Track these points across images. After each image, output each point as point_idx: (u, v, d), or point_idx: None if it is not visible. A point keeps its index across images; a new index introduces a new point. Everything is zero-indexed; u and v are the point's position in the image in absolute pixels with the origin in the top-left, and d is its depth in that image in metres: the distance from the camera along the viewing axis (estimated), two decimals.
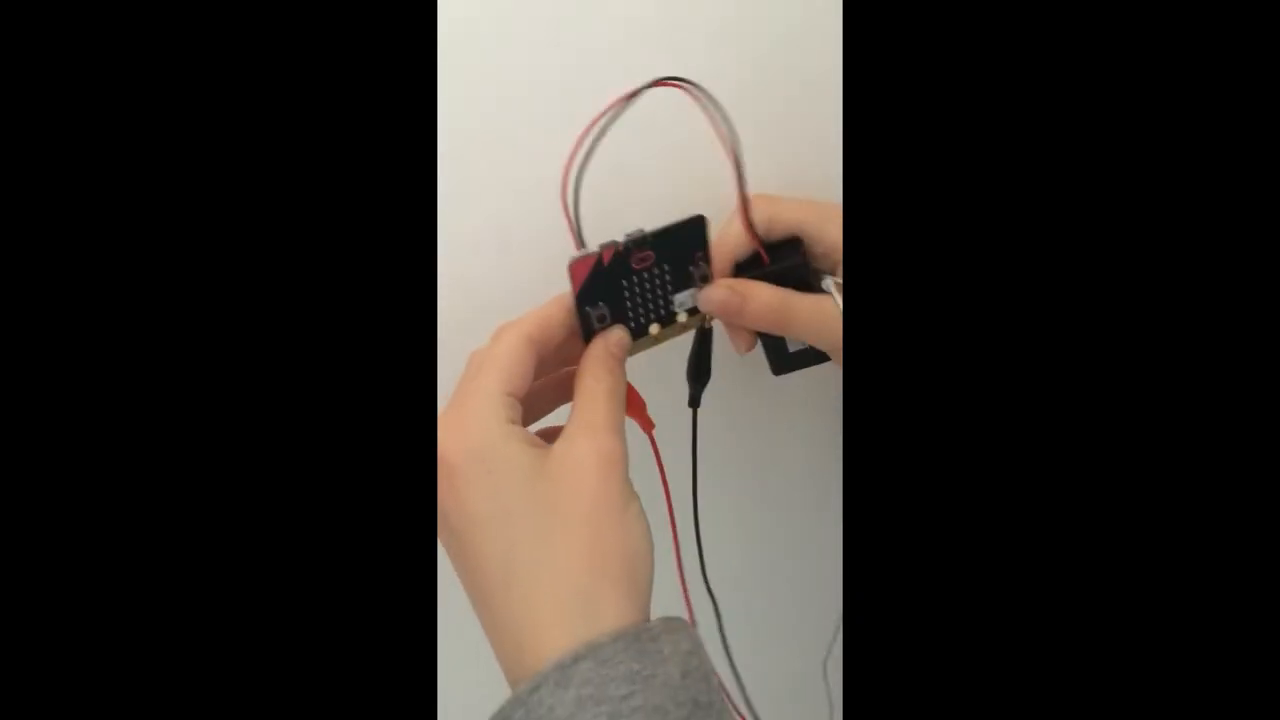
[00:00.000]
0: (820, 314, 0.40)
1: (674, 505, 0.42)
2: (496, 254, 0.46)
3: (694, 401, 0.44)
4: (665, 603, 0.37)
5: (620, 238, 0.38)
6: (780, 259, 0.42)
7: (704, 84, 0.45)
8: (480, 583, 0.35)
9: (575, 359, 0.39)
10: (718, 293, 0.40)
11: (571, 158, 0.36)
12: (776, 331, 0.42)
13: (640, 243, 0.38)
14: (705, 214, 0.39)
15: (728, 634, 0.47)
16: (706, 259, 0.40)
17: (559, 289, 0.47)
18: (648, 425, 0.41)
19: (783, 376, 0.46)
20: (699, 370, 0.43)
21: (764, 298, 0.40)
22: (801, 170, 0.47)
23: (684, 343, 0.44)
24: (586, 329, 0.39)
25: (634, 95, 0.36)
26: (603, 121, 0.36)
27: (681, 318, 0.41)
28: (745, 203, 0.40)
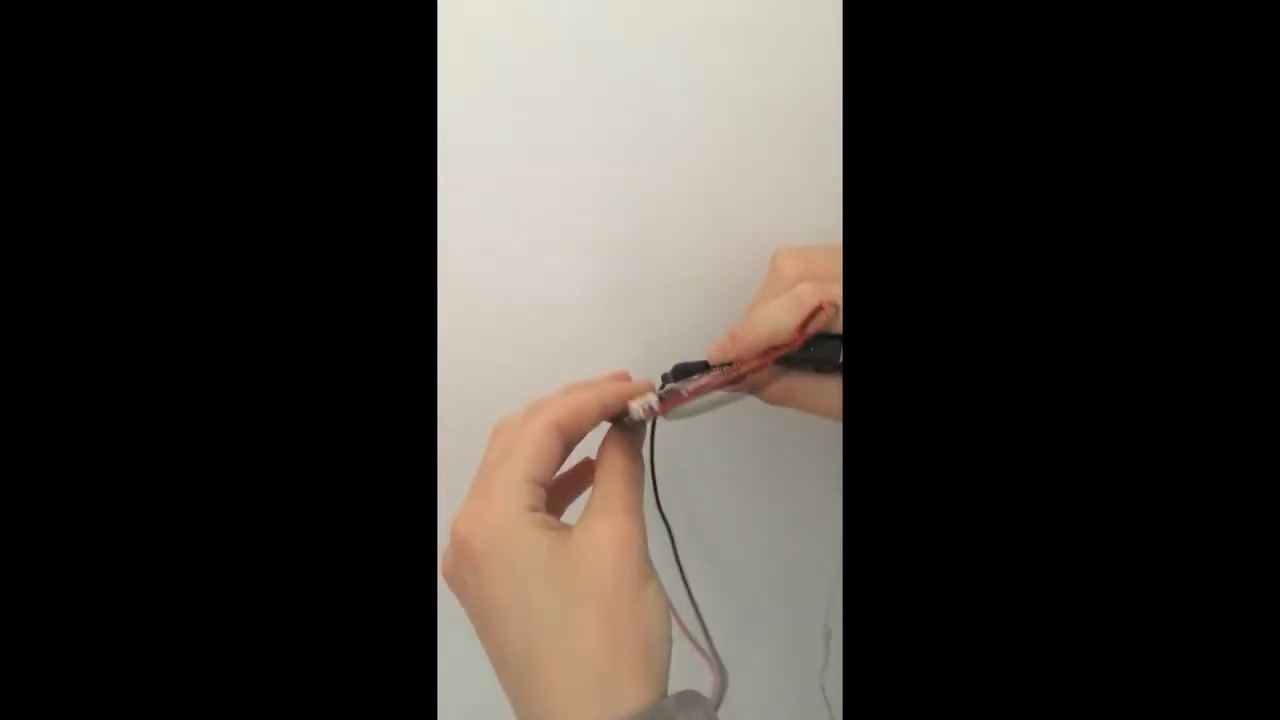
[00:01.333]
0: (823, 398, 0.42)
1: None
2: (497, 261, 0.46)
3: (665, 378, 0.43)
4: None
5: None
6: (816, 347, 0.41)
7: (700, 84, 0.45)
8: (504, 667, 0.36)
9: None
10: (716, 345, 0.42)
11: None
12: (782, 405, 0.43)
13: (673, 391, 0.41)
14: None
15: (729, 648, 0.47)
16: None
17: (558, 294, 0.48)
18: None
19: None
20: (678, 372, 0.43)
21: (772, 391, 0.42)
22: (801, 170, 0.47)
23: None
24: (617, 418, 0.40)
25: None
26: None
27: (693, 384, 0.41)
28: (817, 311, 0.40)
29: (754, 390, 0.42)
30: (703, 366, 0.43)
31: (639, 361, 0.45)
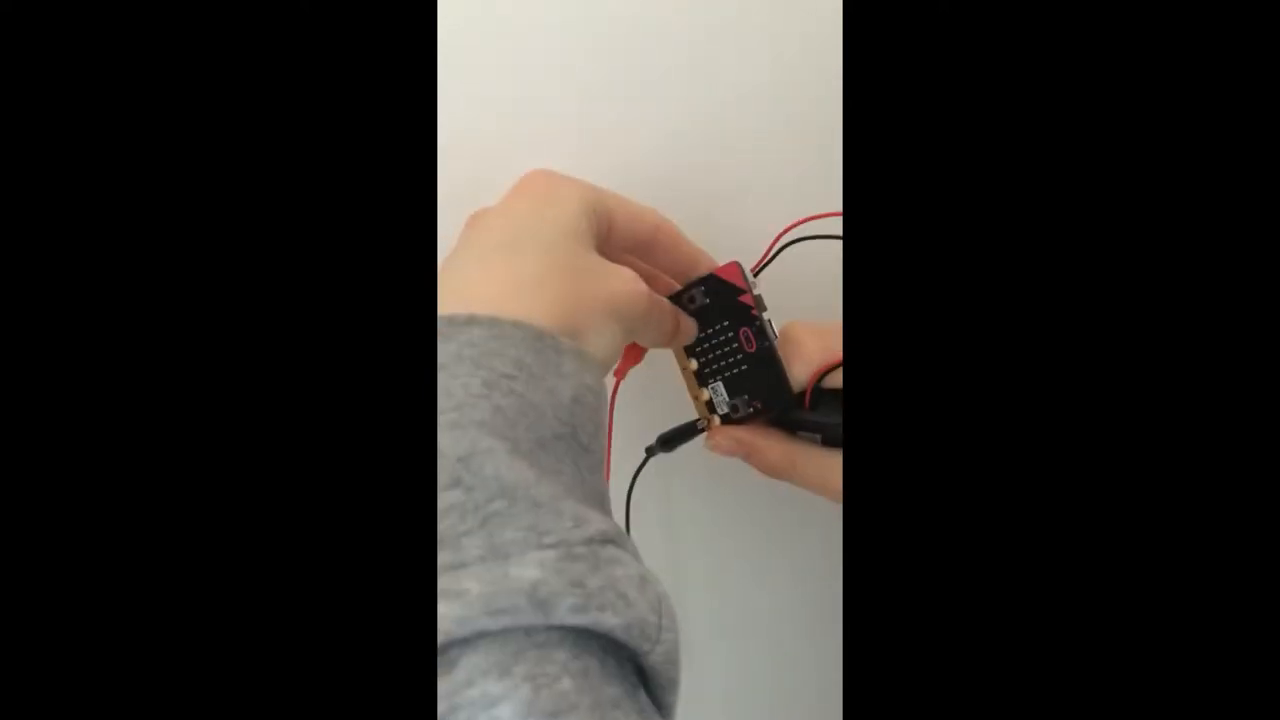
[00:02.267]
0: (824, 471, 0.39)
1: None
2: None
3: (650, 451, 0.44)
4: None
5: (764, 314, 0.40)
6: (819, 408, 0.40)
7: (700, 84, 0.45)
8: (456, 249, 0.36)
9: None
10: (725, 443, 0.41)
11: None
12: (780, 479, 0.41)
13: (761, 333, 0.39)
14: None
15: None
16: (754, 408, 0.41)
17: None
18: (627, 364, 0.41)
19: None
20: (668, 442, 0.43)
21: (772, 458, 0.40)
22: (802, 171, 0.47)
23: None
24: (682, 291, 0.40)
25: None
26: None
27: (703, 395, 0.41)
28: (826, 369, 0.39)
29: (750, 457, 0.41)
30: (690, 429, 0.43)
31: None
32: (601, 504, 0.31)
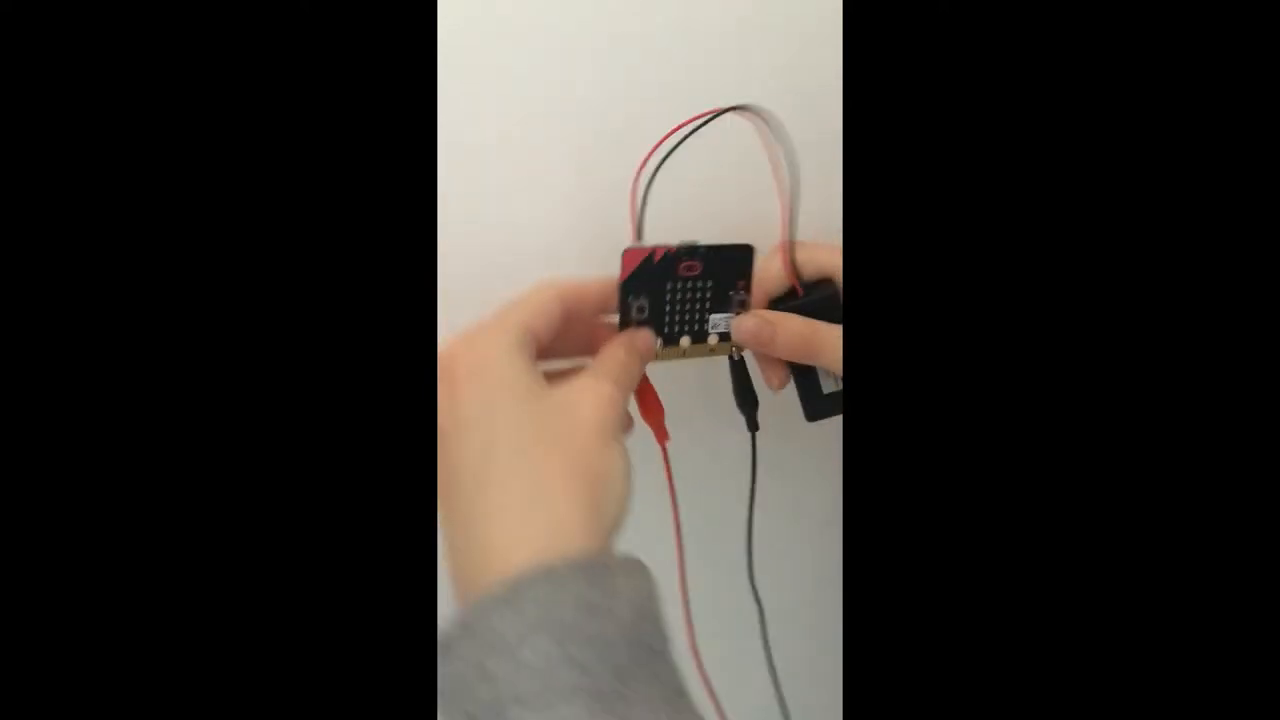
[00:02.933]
0: (842, 345, 0.41)
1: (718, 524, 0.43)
2: (497, 262, 0.46)
3: (752, 425, 0.45)
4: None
5: (674, 244, 0.40)
6: (813, 292, 0.44)
7: (700, 85, 0.45)
8: (454, 484, 0.35)
9: (598, 347, 0.40)
10: (749, 322, 0.42)
11: (644, 161, 0.39)
12: (806, 360, 0.43)
13: (691, 252, 0.40)
14: (752, 243, 0.42)
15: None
16: (747, 288, 0.42)
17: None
18: (663, 436, 0.41)
19: (817, 423, 0.47)
20: (744, 398, 0.44)
21: (793, 328, 0.42)
22: (801, 170, 0.47)
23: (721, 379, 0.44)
24: (624, 315, 0.40)
25: (712, 117, 0.39)
26: (678, 135, 0.39)
27: (712, 340, 0.42)
28: (790, 244, 0.42)
29: (775, 338, 0.42)
30: (738, 372, 0.44)
31: (689, 376, 0.45)
32: (680, 695, 0.33)
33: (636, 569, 0.34)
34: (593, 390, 0.37)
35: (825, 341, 0.42)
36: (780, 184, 0.41)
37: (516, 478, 0.34)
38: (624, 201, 0.46)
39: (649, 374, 0.42)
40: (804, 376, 0.45)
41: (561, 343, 0.40)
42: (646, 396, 0.41)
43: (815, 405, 0.46)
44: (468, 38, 0.42)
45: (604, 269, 0.47)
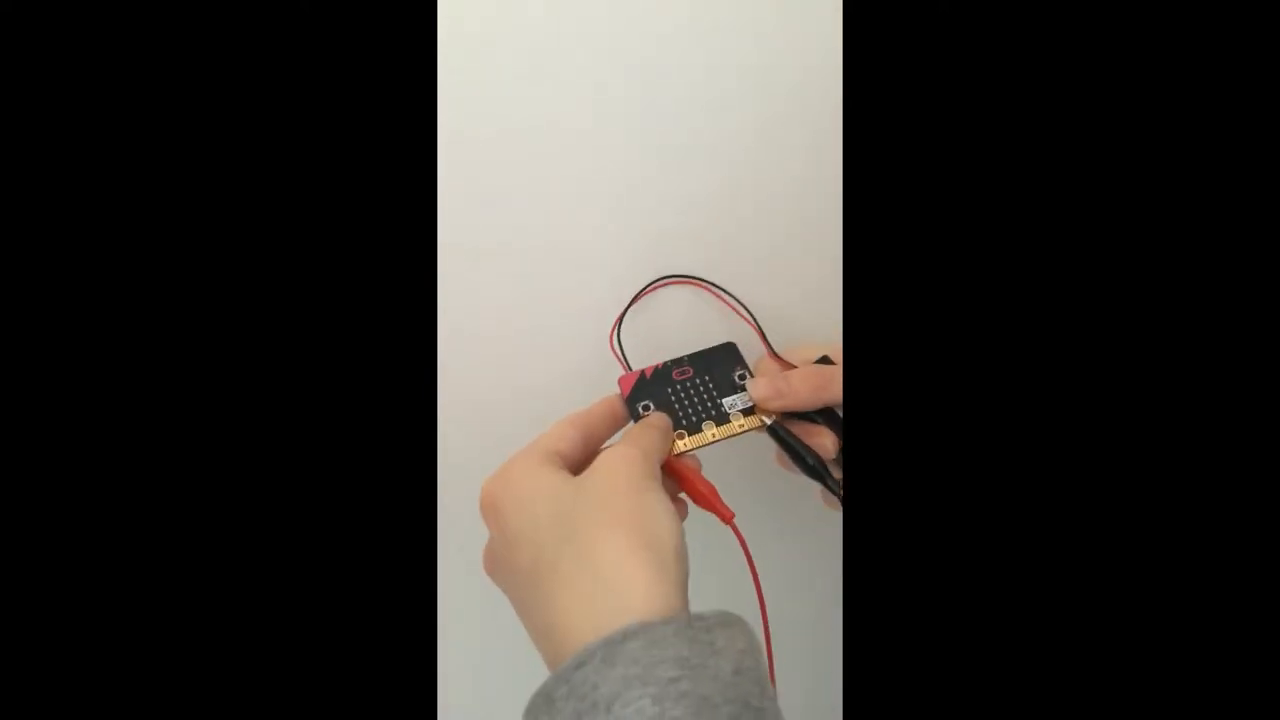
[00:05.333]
0: None
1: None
2: (497, 263, 0.46)
3: (836, 490, 0.44)
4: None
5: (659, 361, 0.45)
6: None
7: (700, 85, 0.45)
8: (518, 592, 0.37)
9: None
10: (762, 381, 0.44)
11: (617, 320, 0.47)
12: (828, 401, 0.44)
13: (678, 362, 0.45)
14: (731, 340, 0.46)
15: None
16: (747, 372, 0.46)
17: (559, 295, 0.48)
18: (726, 515, 0.41)
19: None
20: (805, 463, 0.44)
21: (805, 372, 0.44)
22: (801, 172, 0.47)
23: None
24: (635, 419, 0.44)
25: (644, 292, 0.47)
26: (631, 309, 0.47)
27: (737, 419, 0.44)
28: (771, 350, 0.46)
29: (788, 392, 0.43)
30: (789, 446, 0.45)
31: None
32: None
33: (735, 624, 0.33)
34: (611, 455, 0.38)
35: (835, 377, 0.43)
36: (746, 320, 0.46)
37: (566, 559, 0.35)
38: (622, 201, 0.46)
39: (690, 460, 0.43)
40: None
41: (588, 463, 0.41)
42: (693, 482, 0.42)
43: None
44: (468, 37, 0.42)
45: (603, 261, 0.48)
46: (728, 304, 0.47)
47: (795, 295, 0.48)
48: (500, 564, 0.38)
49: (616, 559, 0.34)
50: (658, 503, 0.36)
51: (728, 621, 0.33)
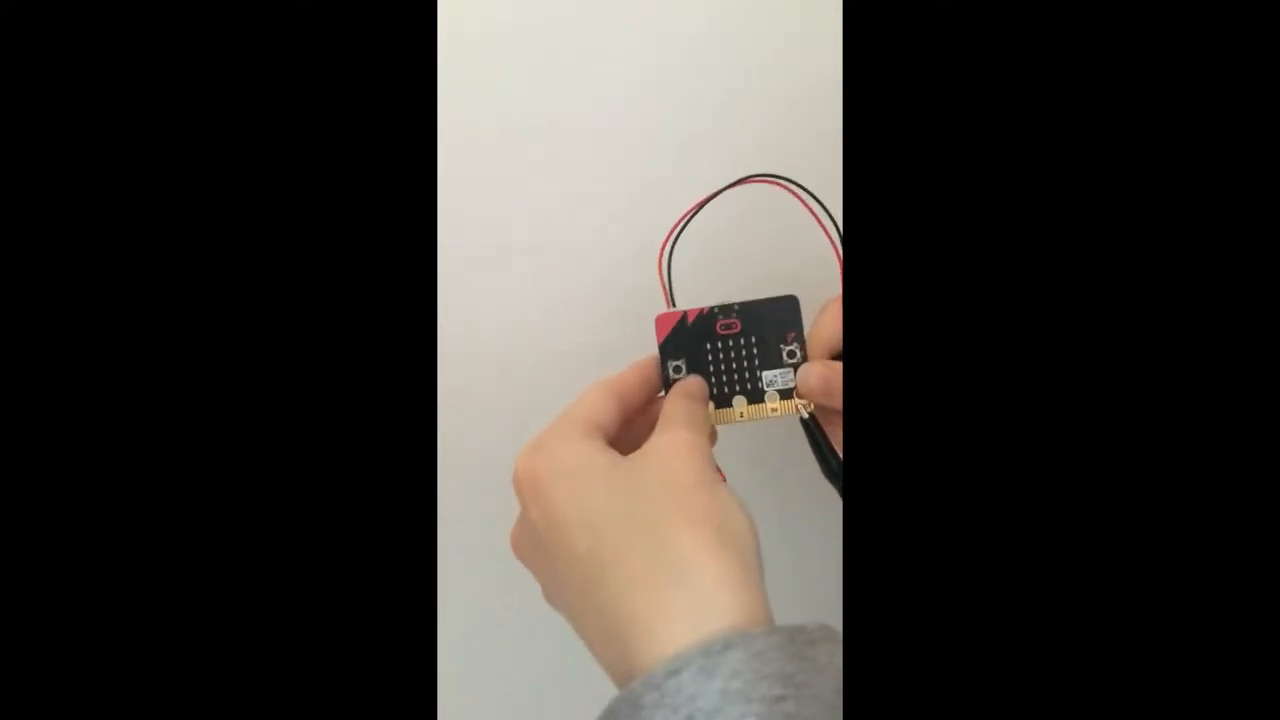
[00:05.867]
0: None
1: None
2: (498, 263, 0.46)
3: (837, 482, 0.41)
4: None
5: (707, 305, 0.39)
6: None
7: (700, 85, 0.45)
8: (573, 586, 0.33)
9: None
10: (815, 369, 0.39)
11: (672, 230, 0.39)
12: None
13: (726, 310, 0.39)
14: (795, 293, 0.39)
15: None
16: (800, 340, 0.39)
17: (560, 295, 0.48)
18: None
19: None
20: (829, 466, 0.40)
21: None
22: (801, 170, 0.47)
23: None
24: (665, 381, 0.39)
25: (724, 189, 0.38)
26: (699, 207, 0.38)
27: (772, 399, 0.39)
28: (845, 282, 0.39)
29: (836, 388, 0.39)
30: (811, 434, 0.41)
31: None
32: None
33: (834, 638, 0.31)
34: (671, 441, 0.35)
35: None
36: (830, 235, 0.39)
37: (639, 551, 0.32)
38: (623, 201, 0.46)
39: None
40: None
41: (625, 434, 0.38)
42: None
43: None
44: (468, 38, 0.42)
45: (603, 261, 0.47)
46: (812, 213, 0.38)
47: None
48: (541, 547, 0.34)
49: (699, 559, 0.31)
50: (732, 500, 0.33)
51: (829, 636, 0.30)
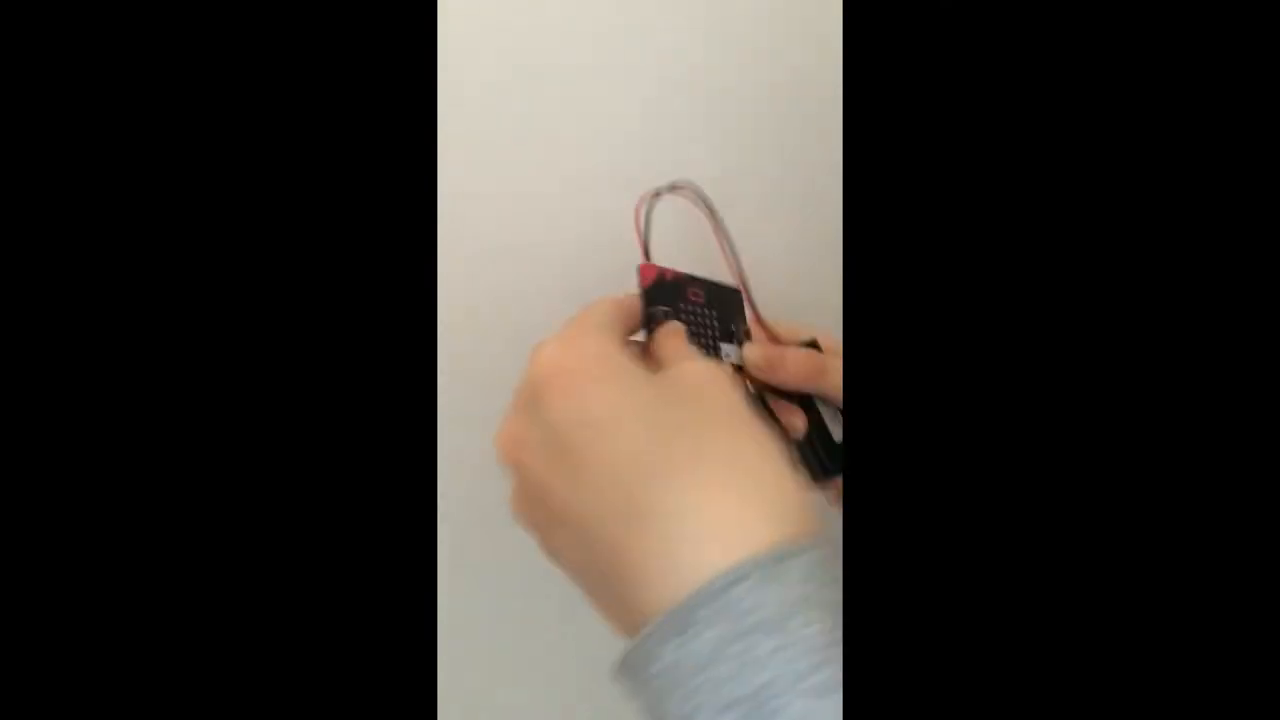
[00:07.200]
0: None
1: None
2: (497, 259, 0.46)
3: (818, 470, 0.43)
4: None
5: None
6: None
7: (700, 84, 0.45)
8: (605, 492, 0.31)
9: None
10: (758, 349, 0.42)
11: (649, 196, 0.41)
12: (815, 389, 0.42)
13: (693, 280, 0.41)
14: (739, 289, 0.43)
15: None
16: (746, 331, 0.43)
17: (560, 292, 0.48)
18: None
19: None
20: (812, 461, 0.43)
21: (801, 355, 0.42)
22: (799, 173, 0.47)
23: None
24: (649, 322, 0.40)
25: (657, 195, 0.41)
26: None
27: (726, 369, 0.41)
28: (758, 315, 0.43)
29: (779, 368, 0.42)
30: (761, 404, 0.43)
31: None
32: None
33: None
34: (707, 367, 0.34)
35: (835, 370, 0.41)
36: (730, 263, 0.42)
37: (684, 470, 0.30)
38: (623, 200, 0.46)
39: None
40: (815, 427, 0.43)
41: None
42: None
43: (831, 455, 0.43)
44: (468, 34, 0.42)
45: (603, 260, 0.47)
46: (727, 258, 0.42)
47: (795, 292, 0.48)
48: (564, 453, 0.32)
49: (783, 480, 0.31)
50: (770, 435, 0.33)
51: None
